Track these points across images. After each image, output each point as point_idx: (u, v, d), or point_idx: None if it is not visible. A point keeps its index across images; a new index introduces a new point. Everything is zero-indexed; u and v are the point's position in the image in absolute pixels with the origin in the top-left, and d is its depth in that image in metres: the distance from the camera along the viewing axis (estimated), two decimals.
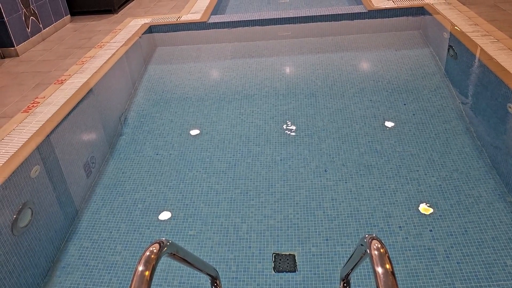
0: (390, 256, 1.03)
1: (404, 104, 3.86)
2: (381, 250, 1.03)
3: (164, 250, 1.16)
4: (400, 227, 2.69)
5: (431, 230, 2.63)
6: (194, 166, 3.45)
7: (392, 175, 3.09)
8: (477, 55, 3.92)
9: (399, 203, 2.85)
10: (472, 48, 4.06)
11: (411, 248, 2.53)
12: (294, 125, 3.78)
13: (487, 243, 2.49)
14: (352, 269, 1.46)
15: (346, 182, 3.09)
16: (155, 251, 1.11)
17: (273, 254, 2.65)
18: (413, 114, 3.71)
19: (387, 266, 0.98)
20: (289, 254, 2.65)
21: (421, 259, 2.46)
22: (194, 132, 3.86)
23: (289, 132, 3.70)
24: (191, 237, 2.85)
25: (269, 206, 2.99)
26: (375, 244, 1.05)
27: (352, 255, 1.39)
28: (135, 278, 1.02)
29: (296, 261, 2.58)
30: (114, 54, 4.50)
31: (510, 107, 3.13)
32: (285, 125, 3.79)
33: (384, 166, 3.19)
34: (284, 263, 2.59)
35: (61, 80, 3.88)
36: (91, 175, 3.43)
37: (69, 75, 3.98)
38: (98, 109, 3.99)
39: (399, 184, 3.01)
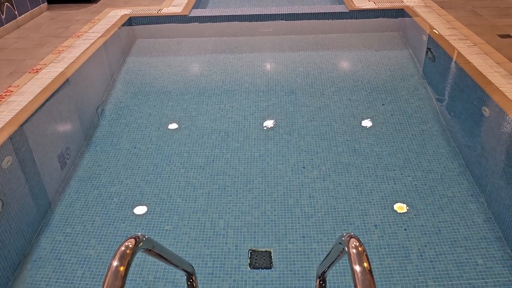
0: (368, 252, 1.03)
1: (383, 104, 3.91)
2: (359, 249, 1.03)
3: (140, 245, 1.14)
4: (376, 225, 2.72)
5: (405, 229, 2.67)
6: (172, 160, 3.41)
7: (369, 174, 3.13)
8: (454, 58, 3.99)
9: (375, 201, 2.89)
10: (450, 51, 4.14)
11: (386, 247, 2.57)
12: (274, 122, 3.78)
13: (460, 243, 2.54)
14: (328, 267, 1.46)
15: (324, 180, 3.11)
16: (130, 246, 1.09)
17: (249, 251, 2.65)
18: (391, 115, 3.76)
19: (365, 264, 0.98)
20: (265, 251, 2.65)
21: (395, 257, 2.50)
22: (173, 126, 3.81)
23: (268, 129, 3.69)
24: (167, 232, 2.82)
25: (246, 202, 2.99)
26: (354, 242, 1.06)
27: (329, 253, 1.40)
28: (109, 274, 0.99)
29: (272, 258, 2.58)
30: (92, 44, 4.40)
31: (485, 110, 3.20)
32: (264, 122, 3.78)
33: (361, 165, 3.22)
34: (260, 260, 2.59)
35: (36, 69, 3.77)
36: (65, 167, 3.35)
37: (45, 64, 3.87)
38: (74, 100, 3.90)
39: (376, 183, 3.04)
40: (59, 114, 3.66)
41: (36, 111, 3.31)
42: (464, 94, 3.69)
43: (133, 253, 1.08)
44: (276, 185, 3.11)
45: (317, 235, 2.70)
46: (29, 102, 3.35)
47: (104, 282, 0.98)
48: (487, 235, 2.58)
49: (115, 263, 1.03)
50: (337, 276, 2.42)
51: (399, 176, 3.08)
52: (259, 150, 3.45)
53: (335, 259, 1.30)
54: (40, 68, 3.79)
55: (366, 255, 1.02)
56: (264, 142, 3.53)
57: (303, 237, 2.70)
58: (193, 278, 1.70)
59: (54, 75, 3.72)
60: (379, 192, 2.96)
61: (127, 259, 1.05)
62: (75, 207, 3.03)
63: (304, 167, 3.23)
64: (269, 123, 3.76)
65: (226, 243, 2.71)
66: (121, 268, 1.01)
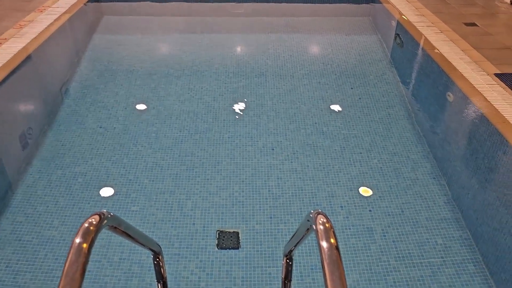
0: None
1: (351, 88, 3.95)
2: (327, 225, 1.04)
3: (104, 222, 1.11)
4: (341, 206, 2.77)
5: (370, 210, 2.73)
6: (139, 141, 3.35)
7: (336, 156, 3.17)
8: (422, 44, 4.07)
9: (342, 183, 2.93)
10: (417, 38, 4.21)
11: (351, 227, 2.62)
12: (243, 104, 3.76)
13: (421, 223, 2.63)
14: (296, 245, 1.48)
15: (292, 162, 3.13)
16: (94, 222, 1.06)
17: (217, 231, 2.65)
18: (359, 98, 3.81)
19: (332, 240, 0.99)
20: (233, 232, 2.66)
21: (360, 237, 2.56)
22: (141, 106, 3.74)
23: (237, 111, 3.67)
24: (134, 213, 2.78)
25: (215, 184, 2.98)
26: (321, 219, 1.07)
27: (296, 231, 1.41)
28: (72, 251, 0.96)
29: (240, 238, 2.60)
30: (56, 19, 4.22)
31: (449, 96, 3.29)
32: (234, 103, 3.76)
33: (329, 147, 3.26)
34: (228, 240, 2.60)
35: None
36: (27, 146, 3.24)
37: (5, 39, 3.69)
38: (37, 77, 3.76)
39: (343, 165, 3.09)
40: (21, 91, 3.52)
41: None
42: (430, 80, 3.77)
43: (97, 230, 1.05)
44: (244, 166, 3.10)
45: (284, 216, 2.73)
46: None
47: (67, 259, 0.95)
48: (447, 216, 2.67)
49: (78, 240, 1.00)
50: (304, 255, 2.46)
51: (365, 159, 3.14)
52: (228, 132, 3.43)
53: (303, 236, 1.32)
54: (0, 43, 3.62)
55: (333, 231, 1.03)
56: (233, 124, 3.52)
57: (271, 218, 2.72)
58: (160, 257, 1.68)
59: (15, 50, 3.56)
60: (346, 174, 3.00)
61: (90, 236, 1.02)
62: (37, 187, 2.94)
63: (273, 149, 3.25)
64: (238, 105, 3.74)
65: (194, 224, 2.70)
66: (84, 245, 0.98)
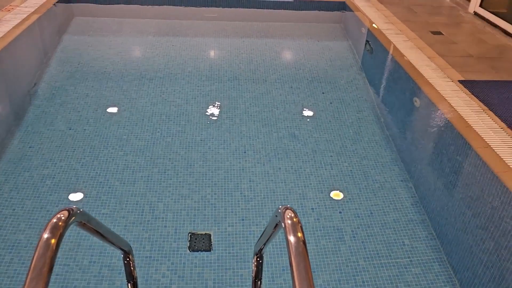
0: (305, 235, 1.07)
1: (323, 93, 4.03)
2: (294, 220, 1.07)
3: (73, 218, 1.10)
4: (312, 208, 2.81)
5: (340, 212, 2.79)
6: (110, 143, 3.31)
7: (307, 159, 3.22)
8: (390, 51, 4.18)
9: (313, 186, 2.98)
10: (386, 45, 4.33)
11: (322, 229, 2.67)
12: (216, 107, 3.77)
13: (389, 225, 2.70)
14: (265, 243, 1.50)
15: (263, 165, 3.16)
16: (63, 218, 1.05)
17: (189, 234, 2.65)
18: (330, 103, 3.89)
19: (299, 234, 1.02)
20: (205, 234, 2.66)
21: (330, 239, 2.61)
22: (112, 108, 3.69)
23: (210, 114, 3.68)
24: (105, 216, 2.75)
25: (187, 186, 2.97)
26: (289, 213, 1.09)
27: (265, 229, 1.43)
28: (39, 245, 0.95)
29: (212, 241, 2.60)
30: (25, 19, 4.13)
31: (416, 101, 3.39)
32: (207, 106, 3.77)
33: (300, 150, 3.31)
34: (200, 243, 2.60)
35: None
36: None
37: None
38: (3, 77, 3.65)
39: (314, 168, 3.14)
40: None
41: None
42: (398, 86, 3.88)
43: (66, 226, 1.05)
44: (217, 169, 3.11)
45: (256, 218, 2.75)
46: None
47: (34, 254, 0.94)
48: (413, 217, 2.75)
49: (46, 235, 0.99)
50: (275, 256, 2.49)
51: (336, 162, 3.20)
52: (201, 134, 3.43)
53: (272, 233, 1.34)
54: None
55: (301, 226, 1.05)
56: (206, 127, 3.52)
57: (243, 219, 2.74)
58: (130, 257, 1.67)
59: None
60: (317, 177, 3.06)
61: (59, 231, 1.01)
62: (3, 190, 2.87)
63: (245, 152, 3.27)
64: (211, 108, 3.75)
65: (165, 226, 2.69)
66: (53, 241, 0.97)
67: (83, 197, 2.85)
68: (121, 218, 2.74)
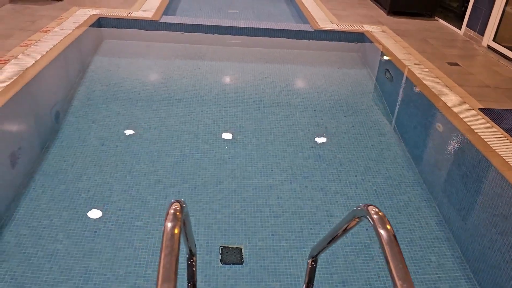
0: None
1: (345, 116, 4.16)
2: (380, 214, 1.19)
3: (184, 206, 1.22)
4: (336, 224, 2.89)
5: (367, 229, 2.86)
6: (142, 159, 3.43)
7: (333, 178, 3.32)
8: (411, 79, 4.34)
9: (339, 203, 3.07)
10: (406, 73, 4.49)
11: (350, 245, 2.74)
12: (243, 127, 3.91)
13: (415, 242, 2.77)
14: (324, 248, 1.59)
15: (290, 183, 3.27)
16: (178, 208, 1.17)
17: (220, 247, 2.73)
18: (352, 126, 4.02)
19: (388, 227, 1.13)
20: (236, 247, 2.74)
21: (358, 255, 2.68)
22: (142, 126, 3.84)
23: (237, 133, 3.82)
24: (138, 228, 2.84)
25: (217, 201, 3.07)
26: (373, 209, 1.21)
27: (326, 236, 1.53)
28: (165, 235, 1.07)
29: (243, 254, 2.68)
30: (61, 40, 4.35)
31: (438, 126, 3.52)
32: (233, 126, 3.90)
33: (325, 170, 3.42)
34: (231, 256, 2.68)
35: (4, 60, 3.68)
36: (30, 161, 3.28)
37: (13, 56, 3.78)
38: (42, 94, 3.84)
39: (339, 187, 3.24)
40: (27, 107, 3.59)
41: (6, 104, 3.23)
42: (419, 111, 4.02)
43: (183, 215, 1.17)
44: (245, 186, 3.22)
45: (285, 233, 2.83)
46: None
47: (162, 245, 1.06)
48: (439, 235, 2.83)
49: (169, 225, 1.11)
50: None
51: (360, 181, 3.30)
52: (229, 153, 3.56)
53: (343, 232, 1.42)
54: (8, 60, 3.71)
55: (387, 219, 1.17)
56: (233, 145, 3.65)
57: (272, 234, 2.82)
58: (194, 258, 1.75)
59: (24, 67, 3.66)
60: (343, 195, 3.15)
61: (179, 221, 1.13)
62: (40, 201, 2.98)
63: (272, 170, 3.38)
64: (238, 128, 3.88)
65: (198, 239, 2.77)
66: (176, 230, 1.09)
67: (118, 209, 2.96)
68: (155, 231, 2.82)
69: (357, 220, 1.33)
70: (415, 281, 2.51)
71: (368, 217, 1.20)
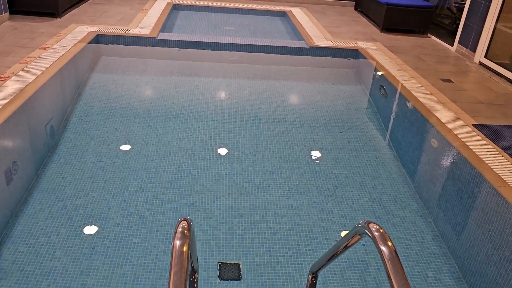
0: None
1: (340, 132, 4.21)
2: (381, 231, 1.23)
3: (191, 225, 1.25)
4: (337, 241, 2.91)
5: (364, 245, 2.89)
6: (139, 175, 3.45)
7: (329, 194, 3.35)
8: (405, 95, 4.41)
9: (336, 219, 3.10)
10: (400, 90, 4.57)
11: (347, 260, 2.76)
12: (239, 143, 3.94)
13: (412, 257, 2.79)
14: (324, 265, 1.61)
15: (287, 199, 3.29)
16: (186, 226, 1.20)
17: (218, 263, 2.74)
18: (348, 141, 4.06)
19: (389, 243, 1.17)
20: (234, 263, 2.75)
21: (355, 270, 2.69)
22: (140, 142, 3.87)
23: (233, 149, 3.85)
24: (136, 244, 2.85)
25: (214, 218, 3.09)
26: (374, 226, 1.24)
27: (327, 251, 1.55)
28: (174, 252, 1.09)
29: (241, 270, 2.69)
30: (60, 57, 4.40)
31: (433, 142, 3.57)
32: (230, 142, 3.94)
33: (322, 185, 3.45)
34: (229, 272, 2.69)
35: (4, 77, 3.71)
36: (28, 178, 3.29)
37: (13, 73, 3.82)
38: (42, 110, 3.86)
39: (336, 202, 3.27)
40: (25, 123, 3.62)
41: (5, 120, 3.26)
42: (413, 127, 4.07)
43: (191, 233, 1.19)
44: (242, 201, 3.24)
45: (282, 249, 2.85)
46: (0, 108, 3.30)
47: (171, 262, 1.09)
48: (435, 250, 2.85)
49: (177, 243, 1.13)
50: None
51: (356, 197, 3.33)
52: (225, 169, 3.58)
53: (344, 249, 1.45)
54: (8, 77, 3.75)
55: (388, 236, 1.21)
56: (230, 161, 3.68)
57: (269, 250, 2.84)
58: (195, 275, 1.76)
59: (23, 84, 3.69)
60: (339, 211, 3.18)
61: (187, 239, 1.16)
62: (38, 218, 2.98)
63: (269, 186, 3.41)
64: (234, 144, 3.92)
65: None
66: (185, 248, 1.11)
67: (115, 226, 2.96)
68: (152, 247, 2.83)
69: (359, 237, 1.36)
70: None
71: (369, 234, 1.23)
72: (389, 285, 1.07)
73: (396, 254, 1.15)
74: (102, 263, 2.66)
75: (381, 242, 1.18)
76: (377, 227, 1.24)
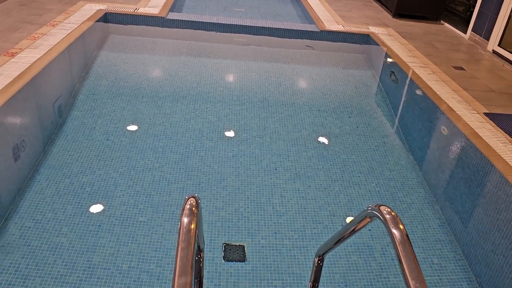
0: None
1: (349, 117, 4.17)
2: (392, 214, 1.21)
3: (199, 202, 1.23)
4: (343, 225, 2.90)
5: (369, 230, 2.88)
6: (146, 155, 3.45)
7: (336, 178, 3.33)
8: (416, 82, 4.34)
9: (342, 204, 3.08)
10: (411, 76, 4.50)
11: (353, 245, 2.76)
12: (247, 125, 3.92)
13: (418, 243, 2.78)
14: (331, 247, 1.60)
15: (294, 182, 3.28)
16: (194, 204, 1.18)
17: (223, 244, 2.74)
18: (357, 127, 4.03)
19: (401, 226, 1.15)
20: (239, 245, 2.75)
21: (360, 255, 2.69)
22: (147, 122, 3.85)
23: (241, 131, 3.83)
24: (142, 223, 2.85)
25: (220, 199, 3.08)
26: (385, 209, 1.22)
27: (334, 234, 1.54)
28: (181, 230, 1.08)
29: (246, 252, 2.69)
30: (68, 34, 4.37)
31: (443, 129, 3.52)
32: (238, 124, 3.91)
33: (329, 170, 3.43)
34: (234, 253, 2.69)
35: (12, 52, 3.69)
36: (35, 154, 3.29)
37: (20, 49, 3.80)
38: (48, 88, 3.85)
39: (343, 187, 3.25)
40: (32, 100, 3.61)
41: (13, 96, 3.25)
42: (423, 114, 4.03)
43: (199, 210, 1.17)
44: (249, 184, 3.23)
45: (288, 232, 2.84)
46: (5, 86, 3.28)
47: (178, 239, 1.07)
48: (441, 237, 2.84)
49: (185, 220, 1.11)
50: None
51: (363, 182, 3.31)
52: (233, 150, 3.57)
53: (352, 232, 1.43)
54: (16, 52, 3.72)
55: (400, 219, 1.19)
56: (237, 143, 3.66)
57: (275, 233, 2.84)
58: (201, 254, 1.75)
59: (31, 60, 3.67)
60: (346, 196, 3.16)
61: (195, 216, 1.14)
62: (45, 195, 2.99)
63: (276, 169, 3.39)
64: (242, 126, 3.89)
65: None
66: (192, 226, 1.10)
67: (122, 204, 2.97)
68: (158, 227, 2.84)
69: (369, 220, 1.34)
70: None
71: (380, 216, 1.21)
72: (400, 269, 1.05)
73: (408, 238, 1.13)
74: (108, 241, 2.67)
75: (392, 225, 1.16)
76: (389, 209, 1.22)
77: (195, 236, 1.07)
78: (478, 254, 2.59)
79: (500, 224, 2.46)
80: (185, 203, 1.18)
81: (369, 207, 1.28)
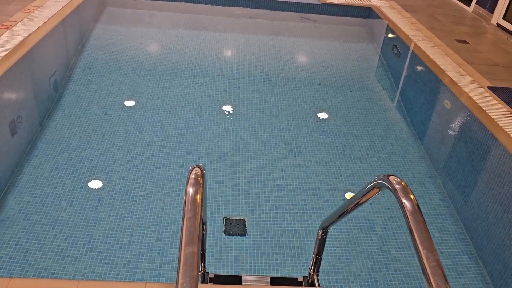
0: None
1: (350, 91, 4.11)
2: (402, 183, 1.18)
3: (204, 172, 1.20)
4: (343, 200, 2.89)
5: (371, 204, 2.86)
6: (145, 129, 3.40)
7: (337, 153, 3.30)
8: (418, 55, 4.26)
9: (343, 178, 3.06)
10: (414, 49, 4.41)
11: (353, 219, 2.75)
12: (247, 99, 3.86)
13: None
14: (335, 221, 1.58)
15: (295, 156, 3.25)
16: (199, 173, 1.15)
17: (224, 218, 2.73)
18: (358, 101, 3.97)
19: (411, 196, 1.12)
20: (240, 219, 2.74)
21: (361, 229, 2.68)
22: (146, 96, 3.79)
23: (241, 105, 3.77)
24: (142, 198, 2.83)
25: (220, 173, 3.06)
26: (395, 179, 1.19)
27: (338, 208, 1.51)
28: (187, 199, 1.05)
29: (246, 226, 2.68)
30: (64, 6, 4.25)
31: (446, 103, 3.47)
32: (237, 98, 3.86)
33: (330, 144, 3.39)
34: (235, 227, 2.68)
35: (6, 25, 3.60)
36: (33, 128, 3.25)
37: (15, 21, 3.70)
38: (44, 61, 3.76)
39: (344, 161, 3.22)
40: (28, 74, 3.53)
41: (8, 70, 3.17)
42: (426, 88, 3.96)
43: (204, 180, 1.15)
44: (249, 158, 3.20)
45: (289, 206, 2.83)
46: (1, 59, 3.20)
47: (184, 208, 1.04)
48: (442, 211, 2.83)
49: (190, 190, 1.08)
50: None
51: (365, 156, 3.28)
52: (233, 125, 3.52)
53: (358, 203, 1.41)
54: (11, 25, 3.63)
55: (410, 188, 1.16)
56: (237, 117, 3.61)
57: (276, 207, 2.82)
58: (204, 227, 1.74)
59: (26, 33, 3.57)
60: (347, 170, 3.13)
61: (200, 186, 1.11)
62: (44, 169, 2.96)
63: (276, 143, 3.35)
64: (242, 100, 3.84)
65: None
66: (198, 197, 1.07)
67: (121, 179, 2.94)
68: (158, 201, 2.82)
69: (377, 190, 1.31)
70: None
71: (389, 187, 1.18)
72: (411, 239, 1.03)
73: (419, 208, 1.10)
74: (108, 215, 2.65)
75: (403, 195, 1.13)
76: (398, 179, 1.19)
77: (201, 206, 1.05)
78: (479, 227, 2.58)
79: (502, 197, 2.44)
80: (190, 173, 1.15)
81: (377, 177, 1.25)
